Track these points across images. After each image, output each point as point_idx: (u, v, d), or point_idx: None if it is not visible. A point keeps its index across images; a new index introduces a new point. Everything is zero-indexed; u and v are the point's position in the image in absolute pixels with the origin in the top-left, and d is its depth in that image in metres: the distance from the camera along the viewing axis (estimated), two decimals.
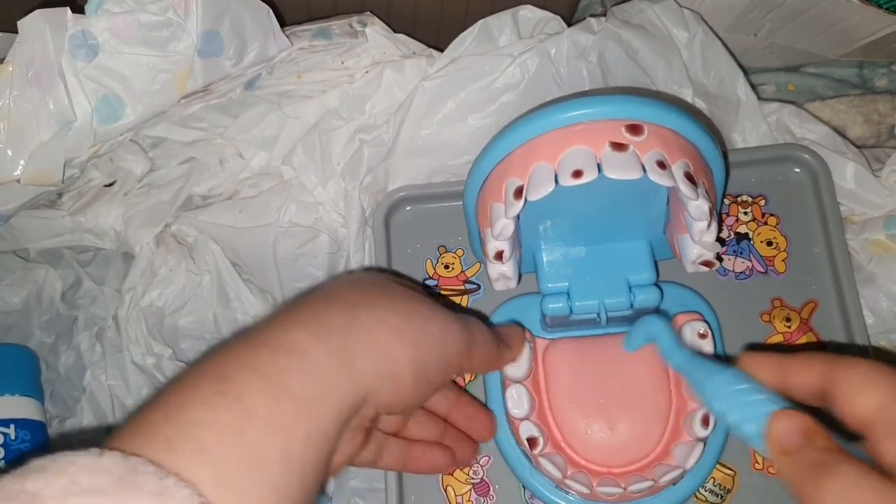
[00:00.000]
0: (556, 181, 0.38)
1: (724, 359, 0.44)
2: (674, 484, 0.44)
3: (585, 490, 0.43)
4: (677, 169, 0.39)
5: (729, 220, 0.51)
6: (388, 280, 0.39)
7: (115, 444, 0.28)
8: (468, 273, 0.51)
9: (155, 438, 0.28)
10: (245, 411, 0.29)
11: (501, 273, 0.43)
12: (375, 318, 0.35)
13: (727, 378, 0.33)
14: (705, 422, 0.42)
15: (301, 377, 0.31)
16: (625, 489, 0.42)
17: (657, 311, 0.45)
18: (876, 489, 0.26)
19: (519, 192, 0.39)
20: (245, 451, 0.28)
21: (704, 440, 0.43)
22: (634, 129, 0.38)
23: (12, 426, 0.51)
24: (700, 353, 0.39)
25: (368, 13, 0.55)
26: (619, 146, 0.38)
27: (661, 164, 0.38)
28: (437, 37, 0.55)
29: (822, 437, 0.28)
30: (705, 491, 0.46)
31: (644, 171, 0.38)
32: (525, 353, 0.44)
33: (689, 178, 0.39)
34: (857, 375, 0.29)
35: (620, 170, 0.38)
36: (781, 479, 0.28)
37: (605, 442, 0.45)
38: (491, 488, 0.47)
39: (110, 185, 0.56)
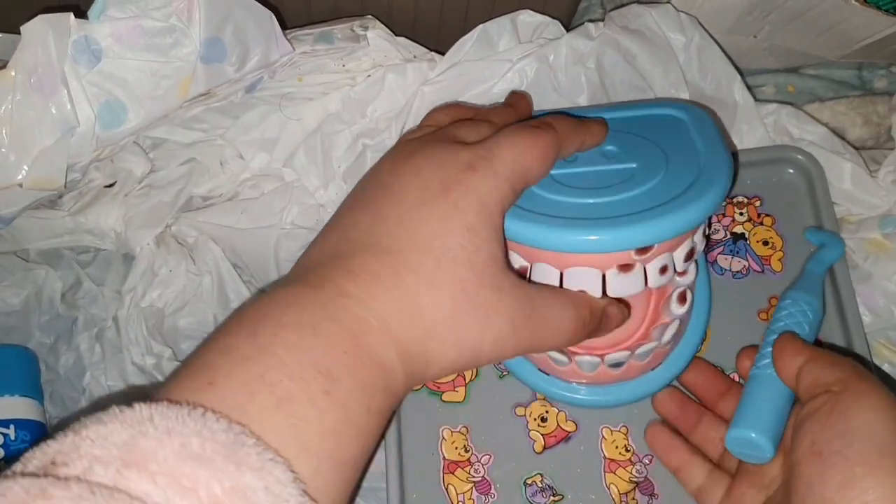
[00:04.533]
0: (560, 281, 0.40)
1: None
2: (652, 370, 0.45)
3: (565, 360, 0.44)
4: (678, 256, 0.41)
5: (725, 221, 0.51)
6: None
7: (205, 400, 0.28)
8: None
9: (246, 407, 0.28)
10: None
11: None
12: None
13: (800, 298, 0.45)
14: (681, 299, 0.43)
15: None
16: (602, 357, 0.43)
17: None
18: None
19: (523, 273, 0.41)
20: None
21: (680, 318, 0.44)
22: (643, 250, 0.39)
23: (12, 427, 0.51)
24: (819, 278, 0.47)
25: (370, 17, 0.55)
26: (625, 267, 0.40)
27: (664, 270, 0.40)
28: (437, 40, 0.55)
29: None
30: None
31: (646, 283, 0.40)
32: None
33: (689, 255, 0.41)
34: None
35: (624, 289, 0.40)
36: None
37: None
38: (492, 487, 0.47)
39: (111, 185, 0.56)
